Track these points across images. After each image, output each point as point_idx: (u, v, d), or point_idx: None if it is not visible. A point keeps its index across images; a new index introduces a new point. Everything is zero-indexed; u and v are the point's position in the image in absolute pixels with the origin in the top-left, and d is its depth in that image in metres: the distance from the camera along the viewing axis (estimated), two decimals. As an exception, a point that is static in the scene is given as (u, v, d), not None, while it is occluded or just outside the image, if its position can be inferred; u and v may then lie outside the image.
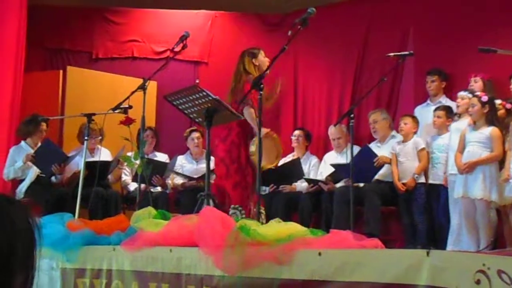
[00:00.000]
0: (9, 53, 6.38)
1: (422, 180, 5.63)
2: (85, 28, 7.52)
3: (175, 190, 6.52)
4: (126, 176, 6.55)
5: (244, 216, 4.57)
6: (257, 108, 4.65)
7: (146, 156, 5.43)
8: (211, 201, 4.19)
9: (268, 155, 4.95)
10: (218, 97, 4.23)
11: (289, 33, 4.25)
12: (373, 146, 6.08)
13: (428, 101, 6.20)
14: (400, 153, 5.73)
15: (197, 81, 7.04)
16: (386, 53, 5.39)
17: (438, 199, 5.57)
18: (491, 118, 4.98)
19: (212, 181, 6.37)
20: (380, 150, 5.94)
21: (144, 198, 4.96)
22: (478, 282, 2.32)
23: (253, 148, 4.77)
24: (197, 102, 4.22)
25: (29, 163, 5.90)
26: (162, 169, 6.25)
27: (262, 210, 4.91)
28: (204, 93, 4.16)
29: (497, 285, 2.29)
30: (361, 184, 5.84)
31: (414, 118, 5.84)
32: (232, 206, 4.78)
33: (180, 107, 4.33)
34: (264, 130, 4.84)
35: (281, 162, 6.56)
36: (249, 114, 4.80)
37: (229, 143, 4.89)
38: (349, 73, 7.11)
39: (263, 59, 5.11)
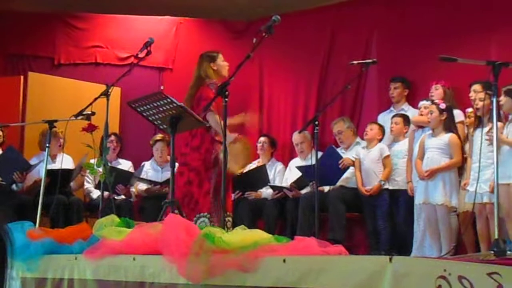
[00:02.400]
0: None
1: (385, 186, 5.70)
2: (47, 33, 7.41)
3: (139, 198, 6.47)
4: (89, 184, 6.48)
5: (213, 224, 4.52)
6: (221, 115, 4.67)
7: (109, 163, 5.36)
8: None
9: (237, 160, 4.94)
10: (183, 104, 4.21)
11: (254, 40, 4.25)
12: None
13: (392, 108, 6.28)
14: (364, 159, 5.79)
15: (161, 88, 7.00)
16: (350, 60, 5.44)
17: (401, 204, 5.64)
18: (449, 125, 5.09)
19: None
20: (345, 156, 5.99)
21: (107, 206, 4.91)
22: (439, 287, 2.35)
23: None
24: (161, 109, 4.18)
25: (-11, 171, 5.78)
26: (126, 178, 6.20)
27: (229, 218, 4.90)
28: (169, 100, 4.12)
29: (458, 291, 2.32)
30: (326, 189, 5.88)
31: (381, 126, 5.91)
32: (200, 214, 4.74)
33: (144, 114, 4.28)
34: (232, 136, 4.83)
35: (247, 168, 6.58)
36: (215, 120, 4.75)
37: (204, 151, 4.84)
38: (314, 80, 7.16)
39: (222, 63, 5.06)
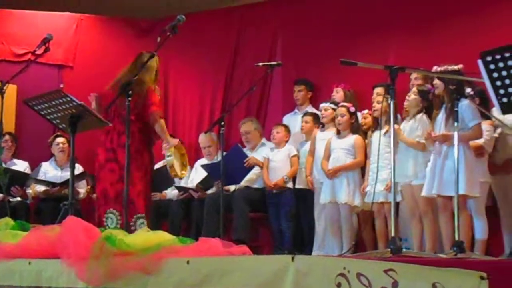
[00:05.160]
0: None
1: (290, 185, 5.78)
2: None
3: (36, 200, 6.23)
4: (-18, 185, 6.15)
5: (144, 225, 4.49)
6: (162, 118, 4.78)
7: (4, 164, 5.13)
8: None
9: (180, 163, 4.98)
10: (83, 103, 4.09)
11: (158, 39, 4.20)
12: (243, 153, 6.15)
13: (296, 110, 6.40)
14: (272, 159, 5.85)
15: (61, 86, 6.76)
16: (257, 61, 5.49)
17: (305, 203, 5.74)
18: (356, 127, 5.27)
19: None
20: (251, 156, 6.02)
21: (1, 208, 4.69)
22: (339, 285, 2.41)
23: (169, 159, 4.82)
24: (60, 108, 4.07)
25: None
26: (21, 179, 5.96)
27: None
28: (68, 99, 4.02)
29: None
30: (232, 189, 5.89)
31: (287, 128, 5.99)
32: (138, 215, 4.62)
33: (41, 113, 4.14)
34: (175, 141, 4.97)
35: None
36: (161, 125, 4.75)
37: (133, 150, 4.67)
38: (220, 81, 7.17)
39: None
